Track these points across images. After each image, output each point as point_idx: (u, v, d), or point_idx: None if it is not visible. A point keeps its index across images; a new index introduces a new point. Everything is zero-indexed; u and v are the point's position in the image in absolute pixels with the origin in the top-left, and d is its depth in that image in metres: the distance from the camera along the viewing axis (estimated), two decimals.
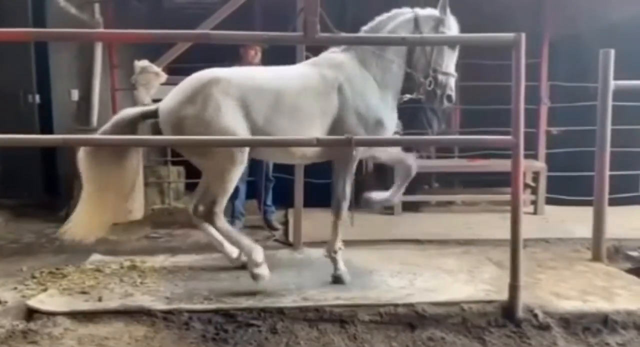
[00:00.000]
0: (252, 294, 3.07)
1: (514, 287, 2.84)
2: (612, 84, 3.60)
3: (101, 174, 3.08)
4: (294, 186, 4.09)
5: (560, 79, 5.86)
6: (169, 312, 2.85)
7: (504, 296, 2.89)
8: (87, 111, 5.52)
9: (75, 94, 5.63)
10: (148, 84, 4.32)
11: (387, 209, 5.32)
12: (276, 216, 5.06)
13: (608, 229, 3.77)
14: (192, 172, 5.01)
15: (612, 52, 3.60)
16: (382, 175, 5.77)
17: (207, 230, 3.31)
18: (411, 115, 5.55)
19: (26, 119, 5.74)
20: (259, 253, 3.15)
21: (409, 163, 3.36)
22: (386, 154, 3.42)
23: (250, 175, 4.62)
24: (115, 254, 3.88)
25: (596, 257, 3.76)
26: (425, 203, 5.59)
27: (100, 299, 3.00)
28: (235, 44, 4.65)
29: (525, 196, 5.31)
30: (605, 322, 2.80)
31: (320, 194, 4.77)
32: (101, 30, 5.08)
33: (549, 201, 5.52)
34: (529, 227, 3.69)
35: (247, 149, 3.11)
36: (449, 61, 3.29)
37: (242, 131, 3.03)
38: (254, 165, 4.51)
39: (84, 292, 3.11)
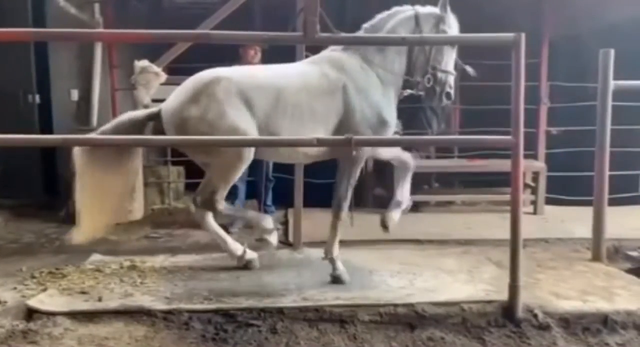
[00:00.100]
0: (252, 294, 3.07)
1: (513, 287, 2.84)
2: (612, 84, 3.60)
3: (101, 174, 3.08)
4: (293, 186, 4.10)
5: (560, 79, 5.86)
6: (169, 312, 2.85)
7: (503, 296, 2.89)
8: (87, 111, 5.52)
9: (75, 94, 5.63)
10: (148, 84, 4.32)
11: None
12: (276, 216, 5.06)
13: (608, 229, 3.78)
14: (192, 172, 5.02)
15: (612, 52, 3.60)
16: (382, 175, 5.78)
17: (211, 227, 3.32)
18: (411, 115, 5.56)
19: (26, 119, 5.73)
20: (268, 220, 3.30)
21: (404, 159, 3.38)
22: (388, 152, 3.43)
23: (250, 175, 4.62)
24: (115, 254, 3.87)
25: (596, 257, 3.76)
26: (425, 203, 5.59)
27: (100, 299, 3.00)
28: (235, 44, 4.65)
29: (525, 196, 5.31)
30: (605, 322, 2.80)
31: (320, 194, 4.78)
32: (101, 30, 5.09)
33: (549, 201, 5.52)
34: (529, 227, 3.70)
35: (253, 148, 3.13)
36: (448, 59, 3.30)
37: (248, 127, 3.04)
38: (254, 166, 4.48)
39: (83, 292, 3.11)
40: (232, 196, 4.37)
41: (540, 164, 5.60)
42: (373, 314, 2.86)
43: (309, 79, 3.19)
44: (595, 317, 2.83)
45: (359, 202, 5.58)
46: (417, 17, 3.28)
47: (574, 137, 5.48)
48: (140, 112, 3.30)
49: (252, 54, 4.74)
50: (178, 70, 4.47)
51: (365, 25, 3.32)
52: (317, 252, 3.71)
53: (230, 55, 4.74)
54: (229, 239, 3.43)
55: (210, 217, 3.37)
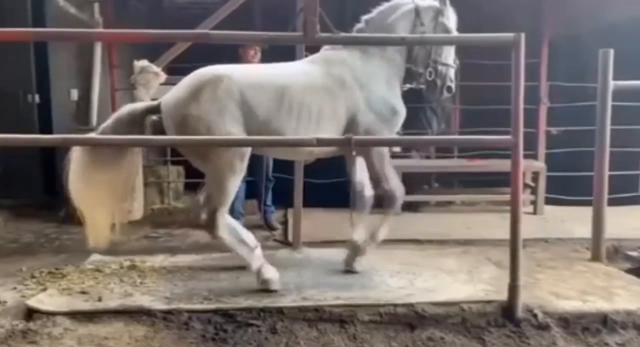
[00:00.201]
0: (251, 294, 3.07)
1: (513, 287, 2.84)
2: (612, 84, 3.60)
3: (101, 173, 3.08)
4: (293, 185, 4.10)
5: (560, 79, 5.86)
6: (169, 312, 2.85)
7: (503, 295, 2.89)
8: (86, 111, 5.52)
9: (74, 94, 5.63)
10: (147, 84, 4.32)
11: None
12: (276, 216, 5.06)
13: (607, 229, 3.78)
14: (192, 172, 5.01)
15: (612, 52, 3.60)
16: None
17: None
18: (411, 115, 5.55)
19: (25, 118, 5.73)
20: (258, 265, 3.15)
21: (395, 193, 3.31)
22: (380, 168, 3.30)
23: (249, 175, 4.60)
24: (115, 254, 3.87)
25: (595, 257, 3.76)
26: (425, 203, 5.59)
27: (99, 299, 3.00)
28: (235, 44, 4.65)
29: (524, 196, 5.32)
30: (605, 322, 2.81)
31: (320, 194, 4.78)
32: (101, 30, 5.08)
33: (549, 201, 5.52)
34: (529, 227, 3.70)
35: (246, 159, 3.10)
36: (448, 52, 3.31)
37: (242, 134, 3.03)
38: (254, 165, 4.49)
39: (83, 292, 3.11)
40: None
41: (540, 164, 5.60)
42: (373, 314, 2.86)
43: (313, 79, 3.18)
44: (595, 317, 2.83)
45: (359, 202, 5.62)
46: (417, 10, 3.29)
47: (574, 137, 5.48)
48: (140, 105, 3.28)
49: (252, 54, 4.74)
50: (178, 70, 4.47)
51: (366, 18, 3.34)
52: (317, 252, 3.72)
53: (230, 55, 4.73)
54: (244, 252, 3.25)
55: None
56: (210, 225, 3.14)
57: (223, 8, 4.59)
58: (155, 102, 3.23)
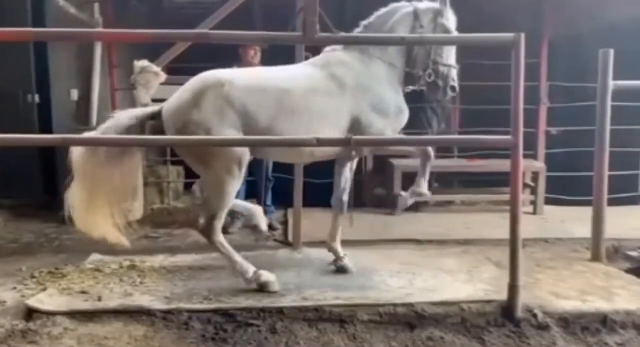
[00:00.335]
0: (251, 293, 3.07)
1: (513, 287, 2.85)
2: (611, 84, 3.60)
3: (101, 173, 3.08)
4: (293, 185, 4.10)
5: (560, 79, 5.86)
6: (169, 311, 2.86)
7: (503, 295, 2.90)
8: (86, 111, 5.52)
9: (74, 94, 5.63)
10: (147, 84, 4.31)
11: (387, 209, 5.34)
12: (276, 216, 5.07)
13: (607, 229, 3.78)
14: (192, 172, 4.99)
15: (611, 52, 3.60)
16: (382, 174, 5.78)
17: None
18: (411, 114, 5.55)
19: (25, 118, 5.72)
20: (252, 274, 3.13)
21: (426, 150, 3.33)
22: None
23: (249, 175, 4.61)
24: (115, 253, 3.86)
25: (595, 257, 3.76)
26: (425, 203, 5.59)
27: (99, 299, 3.00)
28: (235, 44, 4.65)
29: (524, 196, 5.32)
30: (604, 322, 2.81)
31: (320, 194, 4.78)
32: (100, 29, 5.08)
33: (548, 201, 5.53)
34: (528, 227, 3.70)
35: (244, 164, 3.11)
36: (449, 53, 3.30)
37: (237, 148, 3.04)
38: (254, 165, 4.50)
39: (83, 292, 3.11)
40: None
41: (539, 164, 5.61)
42: (372, 314, 2.86)
43: (314, 81, 3.18)
44: (595, 316, 2.84)
45: (359, 202, 5.62)
46: (415, 13, 3.29)
47: (574, 137, 5.48)
48: (140, 110, 3.28)
49: (252, 54, 4.74)
50: (177, 70, 4.48)
51: (364, 23, 3.33)
52: (317, 252, 3.72)
53: (230, 55, 4.74)
54: (239, 259, 3.23)
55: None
56: (207, 229, 3.15)
57: (223, 8, 4.59)
58: (155, 108, 3.22)
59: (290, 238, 4.34)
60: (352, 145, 2.79)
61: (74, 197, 3.07)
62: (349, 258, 3.50)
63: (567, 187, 5.50)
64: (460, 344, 2.68)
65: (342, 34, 2.87)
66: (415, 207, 5.48)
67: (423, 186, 3.35)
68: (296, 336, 2.71)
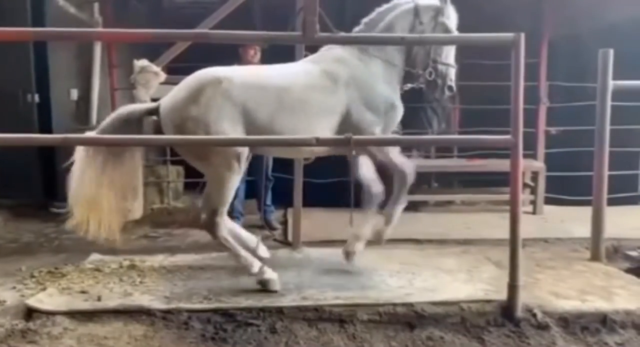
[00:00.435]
0: (251, 293, 3.07)
1: (512, 287, 2.85)
2: (611, 83, 3.60)
3: (102, 172, 3.08)
4: (293, 185, 4.10)
5: (560, 79, 5.86)
6: (168, 311, 2.85)
7: (503, 295, 2.90)
8: (86, 111, 5.52)
9: (74, 94, 5.63)
10: (147, 84, 4.32)
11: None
12: (275, 216, 5.06)
13: (607, 229, 3.78)
14: (191, 172, 5.00)
15: (611, 52, 3.60)
16: (381, 175, 5.77)
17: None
18: (411, 114, 5.56)
19: (25, 118, 5.72)
20: (257, 267, 3.15)
21: (404, 170, 3.31)
22: (383, 155, 3.32)
23: (249, 174, 4.62)
24: (115, 253, 3.87)
25: (595, 257, 3.76)
26: (424, 203, 5.60)
27: (99, 299, 3.00)
28: (235, 44, 4.65)
29: (524, 196, 5.32)
30: (604, 321, 2.81)
31: (320, 194, 4.79)
32: (100, 29, 5.08)
33: (548, 201, 5.53)
34: (528, 227, 3.70)
35: (244, 159, 3.11)
36: (449, 52, 3.31)
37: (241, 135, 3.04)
38: (254, 165, 4.50)
39: (83, 292, 3.11)
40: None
41: (539, 164, 5.60)
42: (372, 314, 2.86)
43: (312, 77, 3.20)
44: (594, 316, 2.84)
45: (358, 202, 5.62)
46: (416, 10, 3.29)
47: (573, 137, 5.48)
48: (138, 106, 3.29)
49: (252, 54, 4.75)
50: (177, 70, 4.47)
51: (365, 20, 3.34)
52: (317, 252, 3.72)
53: (230, 54, 4.74)
54: (244, 253, 3.25)
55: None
56: (210, 225, 3.15)
57: (223, 8, 4.59)
58: (154, 104, 3.23)
59: (290, 238, 4.34)
60: (352, 145, 2.78)
61: (75, 196, 3.07)
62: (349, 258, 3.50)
63: (567, 187, 5.50)
64: (460, 344, 2.68)
65: (342, 33, 2.88)
66: (415, 207, 5.49)
67: (396, 214, 3.39)
68: (296, 335, 2.71)
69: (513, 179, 2.83)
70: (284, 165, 4.37)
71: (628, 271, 3.61)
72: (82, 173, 3.05)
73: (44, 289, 3.18)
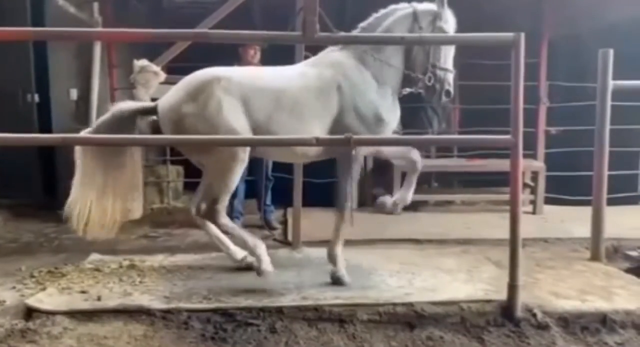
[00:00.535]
0: (251, 293, 3.07)
1: (512, 287, 2.85)
2: (611, 83, 3.60)
3: (103, 172, 3.08)
4: (293, 185, 4.10)
5: (560, 79, 5.86)
6: (168, 311, 2.85)
7: (502, 295, 2.90)
8: (86, 110, 5.51)
9: (74, 94, 5.62)
10: (147, 83, 4.31)
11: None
12: (275, 216, 5.07)
13: (607, 229, 3.78)
14: (191, 172, 5.01)
15: (611, 52, 3.60)
16: (382, 174, 5.78)
17: (211, 231, 3.31)
18: (411, 114, 5.56)
19: (25, 118, 5.72)
20: (263, 249, 3.22)
21: (413, 158, 3.33)
22: (389, 151, 3.42)
23: (249, 174, 4.62)
24: (114, 253, 3.87)
25: (595, 257, 3.76)
26: (424, 203, 5.60)
27: (99, 298, 3.00)
28: (235, 44, 4.65)
29: (524, 196, 5.32)
30: (604, 321, 2.81)
31: (320, 194, 4.78)
32: (100, 29, 5.08)
33: (548, 201, 5.53)
34: (528, 226, 3.71)
35: (248, 149, 3.13)
36: (447, 57, 3.30)
37: (242, 129, 3.05)
38: (254, 165, 4.50)
39: (83, 292, 3.10)
40: (231, 195, 4.37)
41: (539, 164, 5.61)
42: (372, 314, 2.86)
43: (308, 80, 3.21)
44: (594, 316, 2.84)
45: (359, 202, 5.62)
46: (415, 14, 3.28)
47: (573, 136, 5.48)
48: (131, 104, 3.30)
49: (252, 54, 4.75)
50: (177, 70, 4.46)
51: (362, 24, 3.33)
52: (317, 252, 3.71)
53: (230, 54, 4.74)
54: (230, 244, 3.39)
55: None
56: (210, 213, 3.20)
57: (222, 7, 4.59)
58: (151, 103, 3.24)
59: (290, 238, 4.34)
60: (352, 145, 2.79)
61: (75, 196, 3.07)
62: (349, 258, 3.49)
63: (567, 187, 5.50)
64: (460, 344, 2.68)
65: (342, 33, 2.88)
66: (415, 207, 5.49)
67: (408, 198, 3.39)
68: (296, 335, 2.71)
69: (513, 179, 2.83)
70: (284, 165, 4.37)
71: (628, 270, 3.61)
72: (82, 173, 3.05)
73: (44, 289, 3.18)
